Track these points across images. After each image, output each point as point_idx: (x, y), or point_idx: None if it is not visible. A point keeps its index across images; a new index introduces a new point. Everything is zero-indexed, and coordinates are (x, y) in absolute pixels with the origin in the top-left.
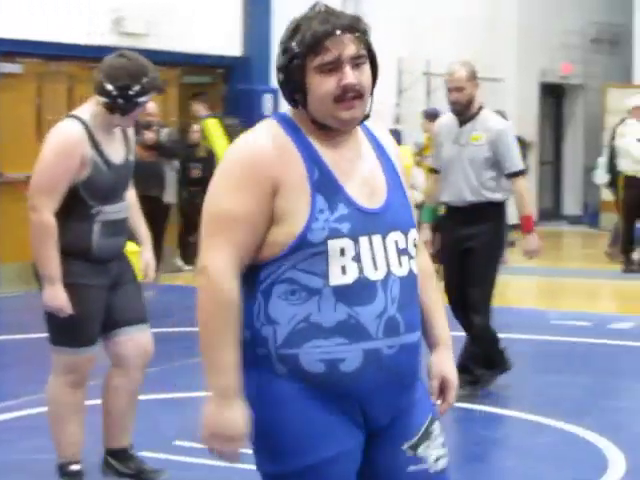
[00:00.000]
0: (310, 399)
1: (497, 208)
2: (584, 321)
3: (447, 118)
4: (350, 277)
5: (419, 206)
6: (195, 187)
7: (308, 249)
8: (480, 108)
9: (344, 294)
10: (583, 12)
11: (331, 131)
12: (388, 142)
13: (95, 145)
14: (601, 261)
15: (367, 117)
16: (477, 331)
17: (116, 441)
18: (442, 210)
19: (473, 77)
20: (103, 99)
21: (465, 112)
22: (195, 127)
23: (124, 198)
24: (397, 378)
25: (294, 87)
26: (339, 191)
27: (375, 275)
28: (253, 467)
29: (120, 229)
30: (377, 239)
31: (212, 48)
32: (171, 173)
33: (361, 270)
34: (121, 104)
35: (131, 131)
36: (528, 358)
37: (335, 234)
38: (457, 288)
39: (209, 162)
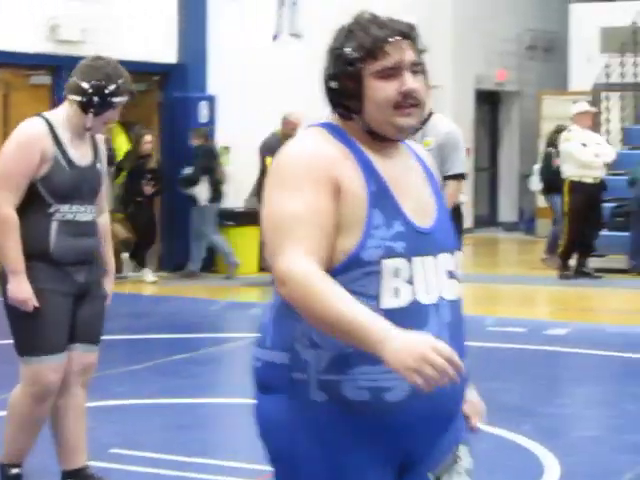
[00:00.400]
0: (346, 433)
1: (454, 213)
2: (520, 327)
3: None
4: (403, 300)
5: None
6: (142, 198)
7: (361, 268)
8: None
9: (396, 318)
10: (518, 19)
11: (383, 141)
12: (426, 156)
13: (58, 143)
14: (537, 267)
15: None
16: None
17: (70, 462)
18: None
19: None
20: (77, 98)
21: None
22: (147, 138)
23: (92, 202)
24: (444, 409)
25: (349, 94)
26: (396, 207)
27: (427, 299)
28: (202, 476)
29: (84, 231)
30: (429, 260)
31: (148, 55)
32: (106, 181)
33: (414, 293)
34: (96, 102)
35: (102, 142)
36: (465, 364)
37: (390, 253)
38: None
39: (160, 173)
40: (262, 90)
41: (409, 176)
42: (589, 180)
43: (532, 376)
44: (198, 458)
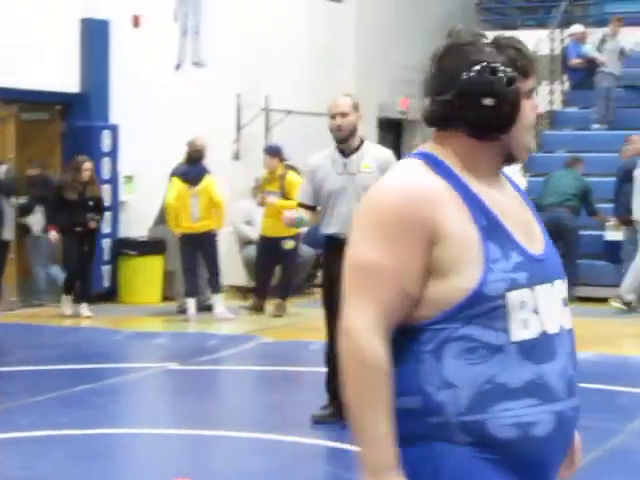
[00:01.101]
0: (494, 474)
1: None
2: None
3: (327, 153)
4: (533, 331)
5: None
6: (82, 229)
7: (485, 304)
8: (362, 141)
9: (528, 350)
10: (421, 48)
11: (486, 168)
12: (519, 181)
13: None
14: None
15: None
16: None
17: None
18: (289, 245)
19: (357, 107)
20: None
21: (349, 140)
22: (87, 165)
23: None
24: (569, 442)
25: (504, 113)
26: (509, 237)
27: (552, 328)
28: None
29: None
30: (548, 288)
31: (50, 84)
32: (10, 209)
33: (542, 323)
34: None
35: None
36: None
37: (514, 285)
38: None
39: (100, 201)
40: (165, 119)
41: (513, 203)
42: None
43: None
44: None
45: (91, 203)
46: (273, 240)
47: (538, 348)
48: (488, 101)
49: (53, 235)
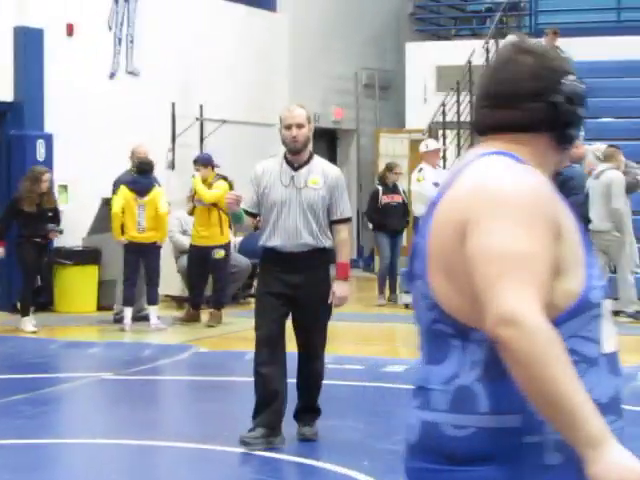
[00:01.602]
0: None
1: (328, 255)
2: (357, 365)
3: (273, 162)
4: (613, 343)
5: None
6: (40, 239)
7: (588, 311)
8: (311, 155)
9: (612, 363)
10: (354, 58)
11: (550, 174)
12: None
13: None
14: (375, 304)
15: None
16: (319, 375)
17: None
18: (219, 254)
19: (310, 120)
20: None
21: (302, 152)
22: (46, 176)
23: None
24: None
25: (579, 120)
26: (589, 243)
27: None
28: None
29: None
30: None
31: None
32: None
33: (614, 335)
34: None
35: None
36: None
37: (604, 293)
38: (280, 336)
39: (58, 212)
40: (100, 128)
41: None
42: None
43: (369, 413)
44: None
45: (50, 214)
46: (203, 249)
47: (615, 360)
48: (581, 110)
49: (0, 251)
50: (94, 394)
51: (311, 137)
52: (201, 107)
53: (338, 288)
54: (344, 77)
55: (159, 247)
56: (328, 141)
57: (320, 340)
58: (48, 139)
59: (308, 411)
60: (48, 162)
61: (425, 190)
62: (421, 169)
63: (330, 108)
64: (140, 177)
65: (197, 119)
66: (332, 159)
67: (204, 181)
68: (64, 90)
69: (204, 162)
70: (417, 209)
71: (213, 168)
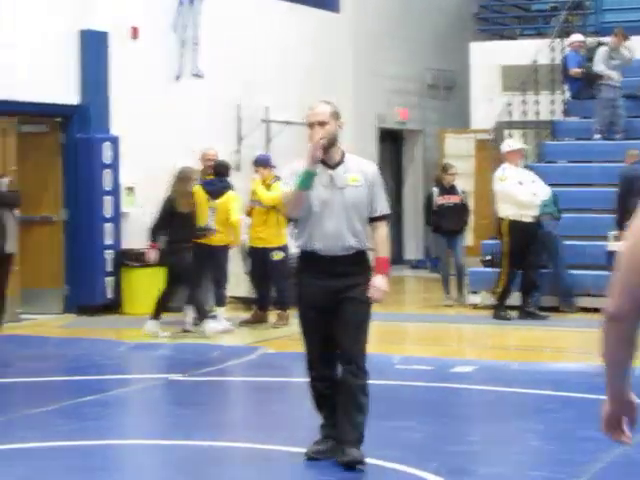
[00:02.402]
0: None
1: (367, 256)
2: (426, 365)
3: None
4: None
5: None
6: None
7: None
8: (343, 152)
9: None
10: (419, 58)
11: None
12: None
13: None
14: (443, 305)
15: None
16: (363, 380)
17: None
18: (277, 256)
19: (336, 116)
20: None
21: (329, 151)
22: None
23: None
24: None
25: None
26: None
27: None
28: None
29: None
30: None
31: (49, 96)
32: (12, 222)
33: None
34: None
35: None
36: (372, 403)
37: None
38: (325, 341)
39: None
40: (165, 130)
41: None
42: (528, 219)
43: (439, 414)
44: None
45: None
46: (261, 251)
47: None
48: None
49: (153, 256)
50: (162, 396)
51: (338, 134)
52: (266, 109)
53: (377, 281)
54: (408, 78)
55: (227, 250)
56: (393, 142)
57: (358, 346)
58: (114, 142)
59: (350, 427)
60: (114, 164)
61: (509, 190)
62: (504, 169)
63: (394, 109)
64: (215, 179)
65: (262, 121)
66: (397, 160)
67: (263, 182)
68: (129, 93)
69: (263, 163)
70: (502, 209)
71: (272, 169)
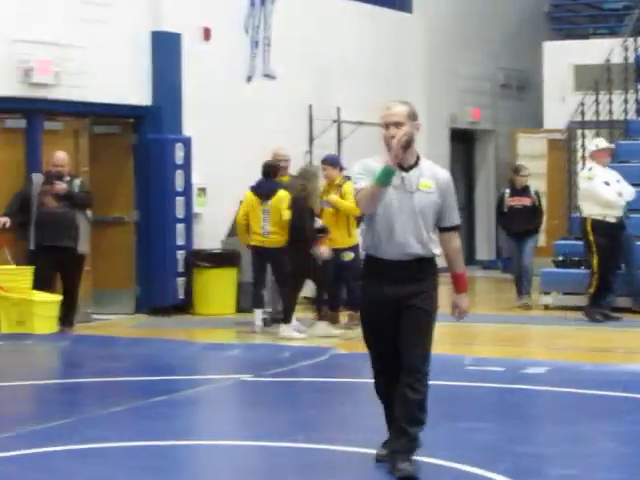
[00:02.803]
0: None
1: (435, 265)
2: (498, 366)
3: (376, 163)
4: None
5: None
6: None
7: None
8: (418, 156)
9: None
10: (491, 58)
11: None
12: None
13: None
14: (514, 306)
15: None
16: (422, 395)
17: None
18: (348, 257)
19: (413, 117)
20: None
21: (405, 152)
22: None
23: None
24: None
25: None
26: None
27: None
28: None
29: None
30: None
31: (121, 97)
32: (85, 223)
33: None
34: None
35: None
36: (443, 404)
37: None
38: (391, 353)
39: None
40: (237, 131)
41: None
42: (611, 219)
43: (510, 415)
44: None
45: None
46: (332, 252)
47: None
48: None
49: (325, 251)
50: (233, 396)
51: (415, 136)
52: (338, 109)
53: (461, 302)
54: (481, 77)
55: (285, 251)
56: (465, 142)
57: (421, 356)
58: (186, 142)
59: (405, 441)
60: (186, 165)
61: (595, 189)
62: (591, 168)
63: (467, 109)
64: (264, 181)
65: (334, 121)
66: (469, 160)
67: (331, 182)
68: (201, 94)
69: (331, 162)
70: (586, 208)
71: (341, 169)
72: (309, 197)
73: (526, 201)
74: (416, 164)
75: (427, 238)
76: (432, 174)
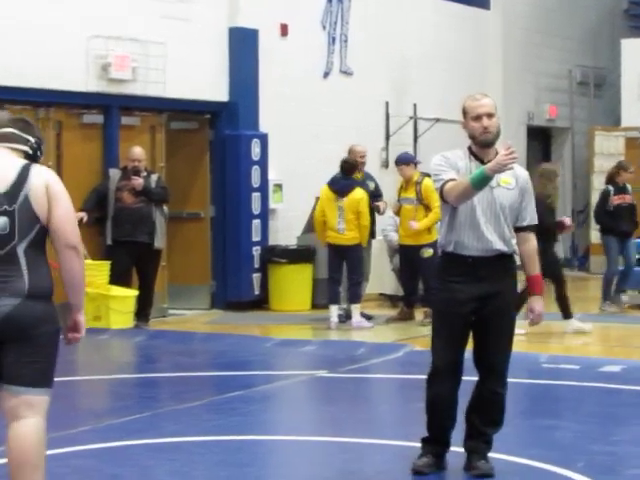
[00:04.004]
0: None
1: (514, 262)
2: (574, 364)
3: (456, 156)
4: None
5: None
6: None
7: None
8: (497, 152)
9: None
10: (569, 56)
11: None
12: None
13: None
14: (590, 304)
15: None
16: (502, 398)
17: None
18: (427, 253)
19: (496, 110)
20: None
21: (493, 145)
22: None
23: None
24: None
25: None
26: None
27: None
28: None
29: None
30: None
31: (198, 93)
32: (161, 218)
33: None
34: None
35: None
36: (519, 402)
37: None
38: (458, 353)
39: None
40: (313, 127)
41: None
42: None
43: (586, 413)
44: None
45: None
46: (410, 248)
47: None
48: None
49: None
50: (308, 392)
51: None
52: (415, 106)
53: (536, 304)
54: (558, 75)
55: (360, 248)
56: (542, 139)
57: (504, 358)
58: (263, 139)
59: (481, 442)
60: (262, 161)
61: None
62: None
63: (544, 106)
64: (340, 177)
65: (410, 118)
66: (546, 157)
67: (409, 180)
68: (278, 90)
69: (405, 161)
70: None
71: (416, 166)
72: (549, 197)
73: (629, 199)
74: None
75: (509, 234)
76: (512, 171)
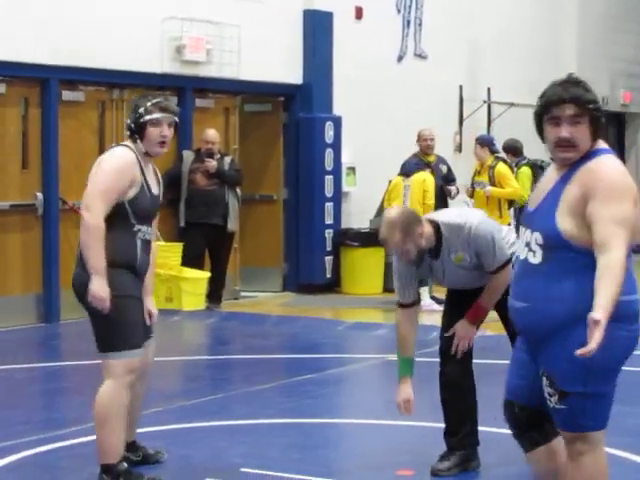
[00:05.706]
0: None
1: None
2: None
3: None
4: None
5: None
6: None
7: None
8: None
9: None
10: None
11: None
12: None
13: (142, 171)
14: None
15: None
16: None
17: (129, 436)
18: None
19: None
20: (128, 133)
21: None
22: None
23: (152, 224)
24: None
25: None
26: None
27: None
28: None
29: (149, 249)
30: None
31: (272, 76)
32: (234, 201)
33: None
34: (133, 128)
35: (157, 170)
36: None
37: None
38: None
39: None
40: (387, 111)
41: None
42: None
43: None
44: (327, 479)
45: None
46: None
47: None
48: None
49: None
50: (379, 376)
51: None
52: (489, 90)
53: (462, 330)
54: (633, 60)
55: None
56: (616, 125)
57: None
58: (336, 122)
59: None
60: (336, 144)
61: None
62: None
63: (618, 92)
64: (410, 158)
65: (484, 102)
66: (620, 143)
67: (481, 163)
68: (352, 73)
69: (481, 142)
70: None
71: (492, 151)
72: None
73: None
74: None
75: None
76: (463, 241)
